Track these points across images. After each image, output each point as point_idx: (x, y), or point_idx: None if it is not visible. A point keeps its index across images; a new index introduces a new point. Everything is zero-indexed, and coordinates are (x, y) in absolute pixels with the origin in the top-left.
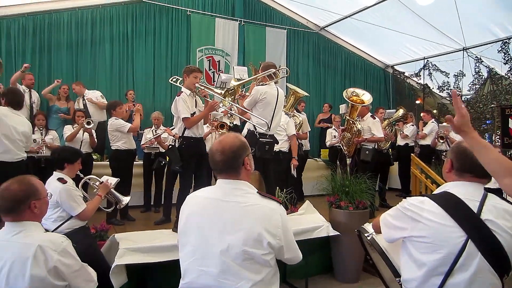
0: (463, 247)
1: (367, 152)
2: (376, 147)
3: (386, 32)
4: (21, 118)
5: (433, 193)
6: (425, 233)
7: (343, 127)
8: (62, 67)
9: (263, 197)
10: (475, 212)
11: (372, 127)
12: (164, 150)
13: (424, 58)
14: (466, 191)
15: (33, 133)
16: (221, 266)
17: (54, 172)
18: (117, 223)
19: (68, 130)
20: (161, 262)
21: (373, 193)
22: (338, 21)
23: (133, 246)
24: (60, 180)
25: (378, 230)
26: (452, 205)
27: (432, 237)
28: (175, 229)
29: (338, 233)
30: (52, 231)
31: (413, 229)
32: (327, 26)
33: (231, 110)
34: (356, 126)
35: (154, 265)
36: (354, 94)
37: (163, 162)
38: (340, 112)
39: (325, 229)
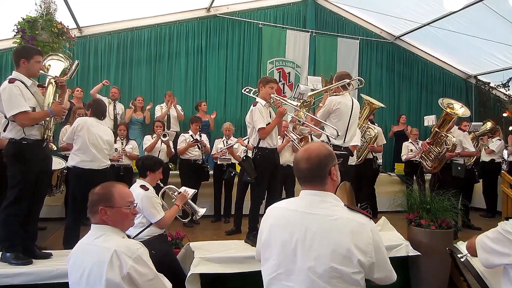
0: None
1: (459, 168)
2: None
3: (469, 39)
4: (104, 127)
5: None
6: None
7: (428, 141)
8: (142, 81)
9: (352, 210)
10: None
11: (464, 141)
12: (235, 161)
13: None
14: None
15: (115, 142)
16: (308, 283)
17: (137, 179)
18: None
19: (148, 140)
20: (234, 273)
21: (457, 211)
22: (415, 30)
23: (208, 256)
24: (142, 187)
25: (473, 253)
26: None
27: None
28: (247, 240)
29: (419, 253)
30: (133, 237)
31: None
32: (402, 35)
33: (300, 121)
34: (450, 140)
35: (227, 276)
36: (449, 106)
37: (233, 173)
38: (426, 124)
39: (404, 248)
